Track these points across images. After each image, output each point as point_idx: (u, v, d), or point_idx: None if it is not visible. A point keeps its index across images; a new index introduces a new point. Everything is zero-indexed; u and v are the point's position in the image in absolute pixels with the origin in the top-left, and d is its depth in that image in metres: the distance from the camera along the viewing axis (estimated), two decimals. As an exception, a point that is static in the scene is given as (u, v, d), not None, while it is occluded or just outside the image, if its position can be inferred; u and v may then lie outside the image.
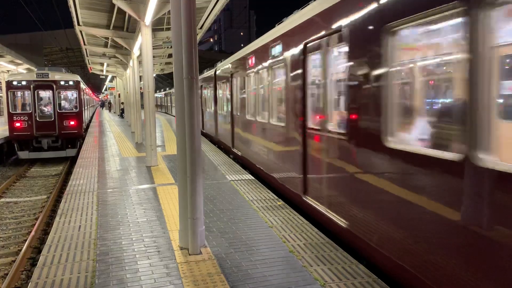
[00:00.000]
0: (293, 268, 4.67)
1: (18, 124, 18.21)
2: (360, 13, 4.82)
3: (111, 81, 49.97)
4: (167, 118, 35.13)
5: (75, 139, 19.33)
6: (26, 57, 28.39)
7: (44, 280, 4.49)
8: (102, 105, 74.45)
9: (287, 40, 7.46)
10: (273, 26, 8.81)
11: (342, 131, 5.40)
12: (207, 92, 18.96)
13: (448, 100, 3.85)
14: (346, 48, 5.20)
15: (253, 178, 9.50)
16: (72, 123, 18.99)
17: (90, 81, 71.45)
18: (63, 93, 19.36)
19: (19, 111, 18.54)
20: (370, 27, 4.61)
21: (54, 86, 18.71)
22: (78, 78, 20.02)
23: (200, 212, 5.14)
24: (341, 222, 5.41)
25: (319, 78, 6.25)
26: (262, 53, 9.17)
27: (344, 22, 5.21)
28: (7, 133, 18.78)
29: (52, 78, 18.82)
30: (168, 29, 15.84)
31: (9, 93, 18.38)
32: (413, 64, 4.24)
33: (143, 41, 11.38)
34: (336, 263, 4.79)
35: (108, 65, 29.38)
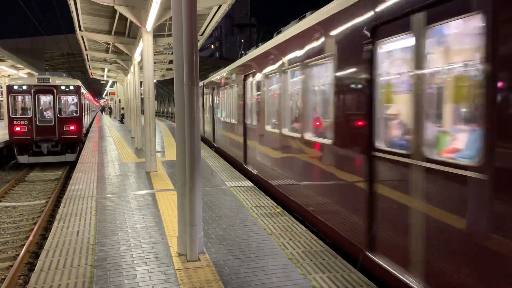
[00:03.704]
0: (291, 276, 4.65)
1: (18, 129, 18.21)
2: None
3: (111, 86, 50.06)
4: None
5: (75, 144, 19.32)
6: (28, 62, 28.44)
7: (41, 285, 4.47)
8: (102, 110, 75.32)
9: (238, 71, 12.03)
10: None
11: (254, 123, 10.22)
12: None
13: None
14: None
15: (252, 185, 9.50)
16: (72, 128, 18.99)
17: (91, 86, 71.53)
18: (64, 98, 19.39)
19: (19, 115, 18.56)
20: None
21: (55, 91, 18.74)
22: (78, 83, 20.06)
23: (199, 219, 5.13)
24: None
25: (250, 95, 10.70)
26: (226, 78, 14.20)
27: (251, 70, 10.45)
28: (6, 137, 18.78)
29: (53, 83, 18.85)
30: (170, 35, 15.90)
31: (9, 97, 18.41)
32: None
33: (144, 47, 11.42)
34: (335, 271, 4.77)
35: (109, 71, 29.45)
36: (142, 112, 13.73)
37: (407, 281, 4.04)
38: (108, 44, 18.43)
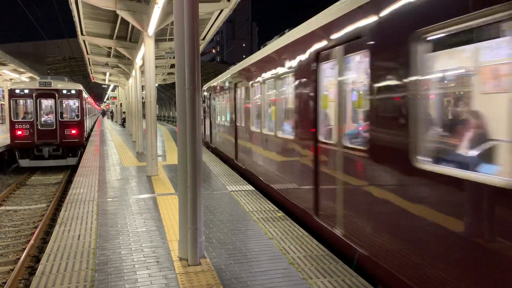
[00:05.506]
0: (292, 281, 4.64)
1: (19, 132, 18.25)
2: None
3: (113, 90, 50.17)
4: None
5: (76, 148, 19.35)
6: (29, 66, 28.55)
7: (42, 290, 4.47)
8: (103, 114, 76.19)
9: (232, 79, 13.36)
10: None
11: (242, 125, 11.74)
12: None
13: None
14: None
15: (253, 189, 9.49)
16: (73, 131, 19.03)
17: (92, 90, 71.78)
18: (65, 102, 19.46)
19: (21, 119, 18.61)
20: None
21: (56, 95, 18.80)
22: (80, 87, 20.13)
23: (200, 223, 5.13)
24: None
25: (239, 101, 12.23)
26: (220, 86, 15.84)
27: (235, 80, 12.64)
28: (8, 141, 18.81)
29: (55, 87, 18.91)
30: (171, 39, 15.96)
31: (11, 101, 18.49)
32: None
33: (146, 51, 11.46)
34: (336, 275, 4.76)
35: (110, 75, 29.53)
36: (144, 116, 13.75)
37: None
38: (110, 48, 18.50)
